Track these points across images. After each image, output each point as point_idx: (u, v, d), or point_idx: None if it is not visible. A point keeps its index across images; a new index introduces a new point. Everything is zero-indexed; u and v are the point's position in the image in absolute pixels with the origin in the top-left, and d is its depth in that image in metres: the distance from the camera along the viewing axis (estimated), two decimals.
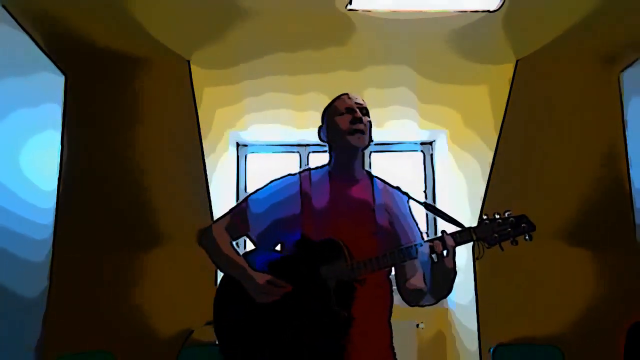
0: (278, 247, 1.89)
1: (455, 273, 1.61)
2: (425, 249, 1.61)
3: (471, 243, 1.65)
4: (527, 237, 1.63)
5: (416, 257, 1.64)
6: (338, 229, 1.74)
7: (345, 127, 1.82)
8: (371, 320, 1.72)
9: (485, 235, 1.63)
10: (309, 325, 1.66)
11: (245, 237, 1.91)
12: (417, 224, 1.89)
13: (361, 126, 1.81)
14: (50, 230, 2.86)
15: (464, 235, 1.63)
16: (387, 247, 1.73)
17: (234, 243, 1.87)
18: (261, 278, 1.70)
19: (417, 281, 1.78)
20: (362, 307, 1.67)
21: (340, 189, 1.84)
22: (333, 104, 1.90)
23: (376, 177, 1.92)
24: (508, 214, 1.65)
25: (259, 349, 1.70)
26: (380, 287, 1.78)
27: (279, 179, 1.90)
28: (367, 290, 1.68)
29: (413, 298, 1.80)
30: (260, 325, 1.70)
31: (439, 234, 1.62)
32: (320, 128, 1.94)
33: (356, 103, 1.86)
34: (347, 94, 1.90)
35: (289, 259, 1.78)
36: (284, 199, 1.83)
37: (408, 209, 1.89)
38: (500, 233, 1.63)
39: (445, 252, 1.58)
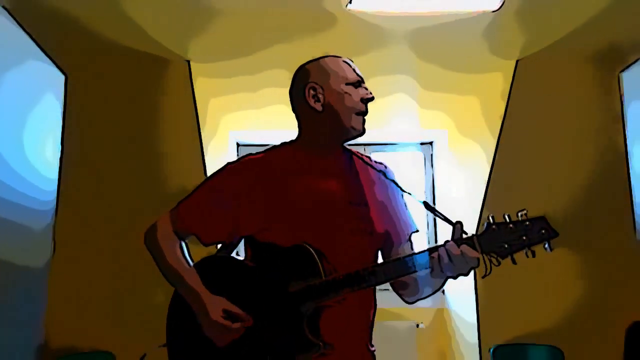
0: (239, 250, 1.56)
1: (477, 264, 1.33)
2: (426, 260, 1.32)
3: None
4: (546, 246, 1.29)
5: (415, 271, 1.33)
6: (310, 228, 1.40)
7: (353, 104, 1.44)
8: (350, 340, 1.41)
9: (492, 246, 1.28)
10: (276, 352, 1.35)
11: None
12: (409, 214, 1.56)
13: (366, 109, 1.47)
14: (50, 227, 2.86)
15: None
16: (371, 247, 1.46)
17: (184, 246, 1.52)
18: (215, 310, 1.36)
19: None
20: (338, 326, 1.37)
21: (312, 174, 1.47)
22: (332, 67, 1.49)
23: (355, 153, 1.55)
24: (521, 215, 1.29)
25: None
26: (362, 298, 1.43)
27: (235, 162, 1.54)
28: (345, 310, 1.38)
29: (411, 291, 1.51)
30: (219, 350, 1.39)
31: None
32: (308, 85, 1.46)
33: (362, 77, 1.50)
34: (347, 59, 1.53)
35: (251, 272, 1.43)
36: (244, 198, 1.44)
37: (399, 195, 1.54)
38: (511, 242, 1.28)
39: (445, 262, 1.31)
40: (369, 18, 2.77)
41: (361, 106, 1.45)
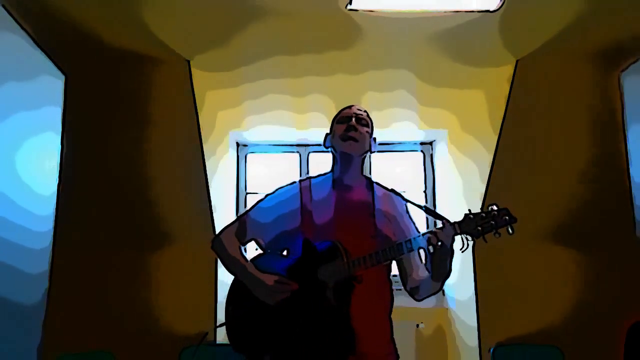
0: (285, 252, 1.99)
1: (452, 253, 1.76)
2: (422, 242, 1.74)
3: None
4: (509, 230, 1.72)
5: (406, 252, 1.77)
6: (339, 233, 1.83)
7: (339, 134, 1.94)
8: (370, 317, 1.81)
9: (468, 229, 1.74)
10: (313, 323, 1.76)
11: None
12: (414, 224, 1.99)
13: (354, 134, 1.92)
14: (50, 230, 2.85)
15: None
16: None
17: (242, 248, 1.98)
18: (269, 279, 1.81)
19: (418, 275, 1.92)
20: (361, 305, 1.76)
21: (341, 194, 1.94)
22: (339, 113, 2.02)
23: (375, 182, 2.01)
24: (491, 208, 1.75)
25: (269, 346, 1.81)
26: (379, 286, 1.88)
27: (283, 187, 2.01)
28: (366, 289, 1.77)
29: (418, 290, 1.91)
30: (268, 324, 1.81)
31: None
32: (326, 135, 2.05)
33: (356, 113, 1.97)
34: (352, 105, 2.02)
35: (293, 263, 1.87)
36: (289, 212, 1.92)
37: (405, 210, 2.00)
38: (483, 226, 1.73)
39: (439, 244, 1.72)
40: (371, 18, 2.78)
41: (344, 134, 1.93)
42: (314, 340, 1.76)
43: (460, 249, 1.76)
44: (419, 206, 1.95)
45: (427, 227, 3.68)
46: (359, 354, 1.74)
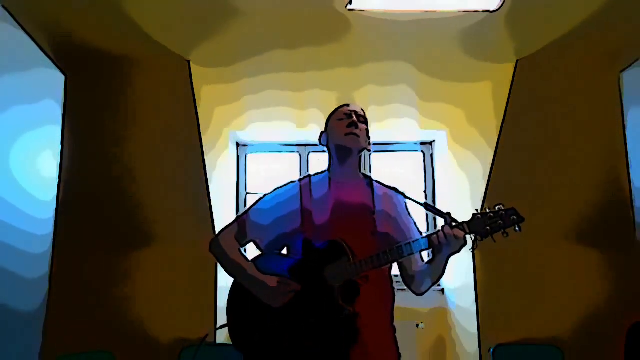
0: (285, 250, 2.01)
1: (465, 242, 1.78)
2: (424, 244, 1.78)
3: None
4: (517, 229, 1.76)
5: (414, 253, 1.80)
6: (339, 231, 1.84)
7: (341, 130, 1.97)
8: (375, 316, 1.83)
9: (477, 228, 1.78)
10: (318, 323, 1.77)
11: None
12: (415, 223, 2.02)
13: (356, 130, 1.96)
14: (51, 229, 2.85)
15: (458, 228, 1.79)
16: (386, 246, 1.83)
17: (242, 249, 1.98)
18: (271, 281, 1.82)
19: (415, 267, 1.94)
20: (366, 304, 1.78)
21: (339, 193, 1.96)
22: (335, 112, 2.06)
23: (375, 180, 2.04)
24: (498, 208, 1.78)
25: (274, 348, 1.81)
26: (382, 284, 1.90)
27: (282, 187, 2.02)
28: (370, 287, 1.81)
29: (416, 282, 1.93)
30: (273, 326, 1.81)
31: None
32: (322, 133, 2.08)
33: (355, 111, 2.01)
34: (348, 104, 2.06)
35: (295, 263, 1.87)
36: (289, 213, 1.94)
37: (405, 208, 2.02)
38: (492, 226, 1.77)
39: (446, 239, 1.76)
40: (371, 22, 2.78)
41: (346, 130, 1.97)
42: (317, 335, 1.77)
43: (470, 249, 1.82)
44: (420, 203, 1.98)
45: (427, 226, 3.69)
46: (361, 344, 1.75)
